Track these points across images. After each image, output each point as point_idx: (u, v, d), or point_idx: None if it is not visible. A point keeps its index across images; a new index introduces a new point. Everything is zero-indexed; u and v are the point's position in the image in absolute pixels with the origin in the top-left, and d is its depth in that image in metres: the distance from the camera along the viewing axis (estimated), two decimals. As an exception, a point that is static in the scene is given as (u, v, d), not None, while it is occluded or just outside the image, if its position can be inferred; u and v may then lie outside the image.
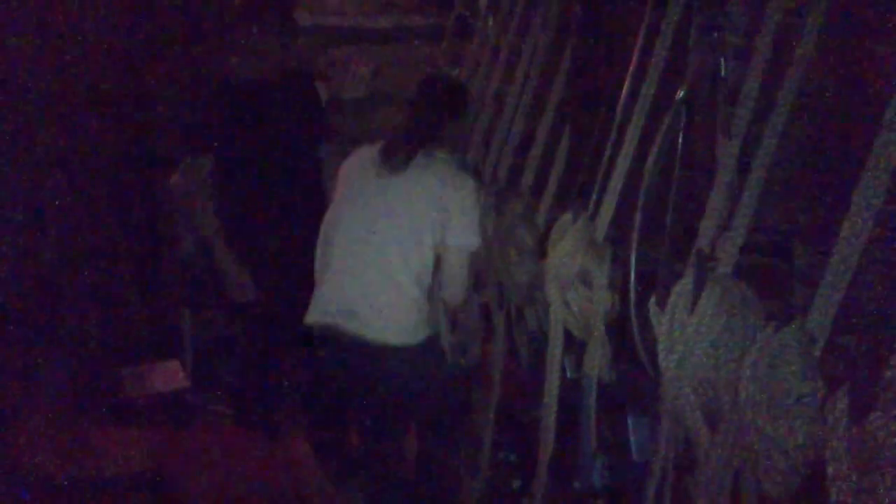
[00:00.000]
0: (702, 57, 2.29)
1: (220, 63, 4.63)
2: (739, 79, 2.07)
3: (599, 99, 2.85)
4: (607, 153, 2.61)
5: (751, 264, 1.98)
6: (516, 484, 3.51)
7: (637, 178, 2.41)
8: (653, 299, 2.09)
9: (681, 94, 2.31)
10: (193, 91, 4.52)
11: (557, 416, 2.76)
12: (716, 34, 2.27)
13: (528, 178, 3.27)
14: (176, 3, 5.10)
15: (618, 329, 2.50)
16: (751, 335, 1.82)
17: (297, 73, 4.32)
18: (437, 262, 3.21)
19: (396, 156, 3.16)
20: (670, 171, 2.33)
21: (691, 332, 1.90)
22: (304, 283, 3.90)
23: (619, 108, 2.59)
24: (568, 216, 2.69)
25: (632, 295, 2.33)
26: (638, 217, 2.35)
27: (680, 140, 2.33)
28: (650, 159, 2.35)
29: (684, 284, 1.97)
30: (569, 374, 2.80)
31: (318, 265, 3.29)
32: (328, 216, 3.29)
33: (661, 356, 2.00)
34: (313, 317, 3.24)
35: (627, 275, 2.36)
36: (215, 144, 3.97)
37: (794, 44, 1.87)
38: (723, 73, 2.23)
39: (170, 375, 4.86)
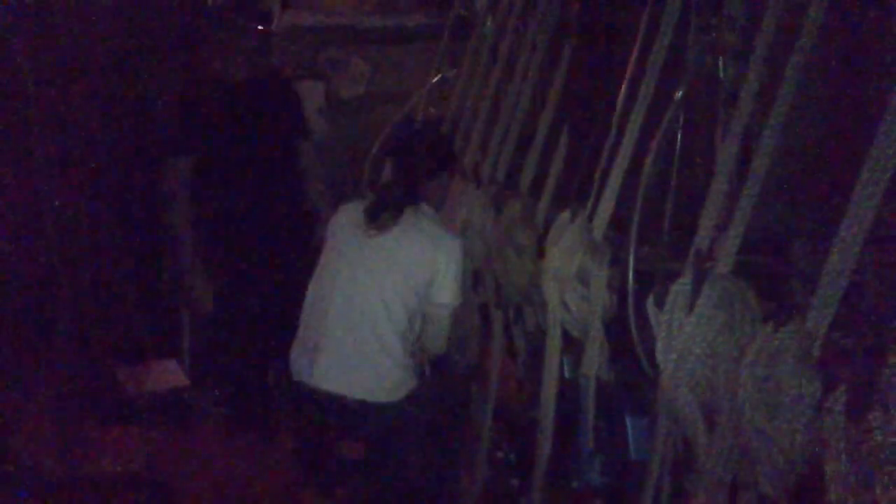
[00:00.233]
0: (700, 56, 2.29)
1: (199, 64, 4.64)
2: (738, 78, 2.07)
3: (598, 99, 2.85)
4: (606, 153, 2.61)
5: (749, 264, 1.99)
6: (514, 483, 3.51)
7: (635, 178, 2.41)
8: (651, 299, 2.09)
9: (679, 93, 2.31)
10: (177, 92, 4.52)
11: (555, 415, 2.76)
12: (714, 34, 2.27)
13: (526, 178, 3.27)
14: (157, 4, 5.11)
15: (616, 329, 2.50)
16: (749, 334, 1.82)
17: (274, 73, 4.32)
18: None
19: (383, 215, 3.16)
20: (668, 170, 2.33)
21: (689, 331, 1.91)
22: (287, 281, 3.92)
23: (617, 108, 2.59)
24: (566, 216, 2.69)
25: (630, 294, 2.33)
26: (636, 217, 2.35)
27: (678, 140, 2.34)
28: (648, 159, 2.36)
29: (682, 284, 1.97)
30: (567, 374, 2.80)
31: (302, 318, 3.28)
32: (316, 273, 3.29)
33: (659, 355, 2.00)
34: (295, 374, 3.24)
35: (625, 274, 2.36)
36: (194, 146, 3.96)
37: (793, 43, 1.88)
38: (721, 72, 2.24)
39: (168, 374, 4.85)
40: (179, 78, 4.90)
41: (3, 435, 4.13)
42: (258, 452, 4.23)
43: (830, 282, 1.61)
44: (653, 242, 2.34)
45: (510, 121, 3.50)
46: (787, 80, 1.87)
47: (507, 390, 3.54)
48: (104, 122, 4.84)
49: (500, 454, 3.63)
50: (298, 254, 3.94)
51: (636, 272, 2.33)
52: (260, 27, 4.11)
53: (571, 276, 2.58)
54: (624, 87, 2.57)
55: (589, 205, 2.64)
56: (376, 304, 3.12)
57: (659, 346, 2.00)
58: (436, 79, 4.54)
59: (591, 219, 2.60)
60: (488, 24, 4.07)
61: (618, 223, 2.54)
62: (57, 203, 4.49)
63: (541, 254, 2.82)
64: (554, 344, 2.72)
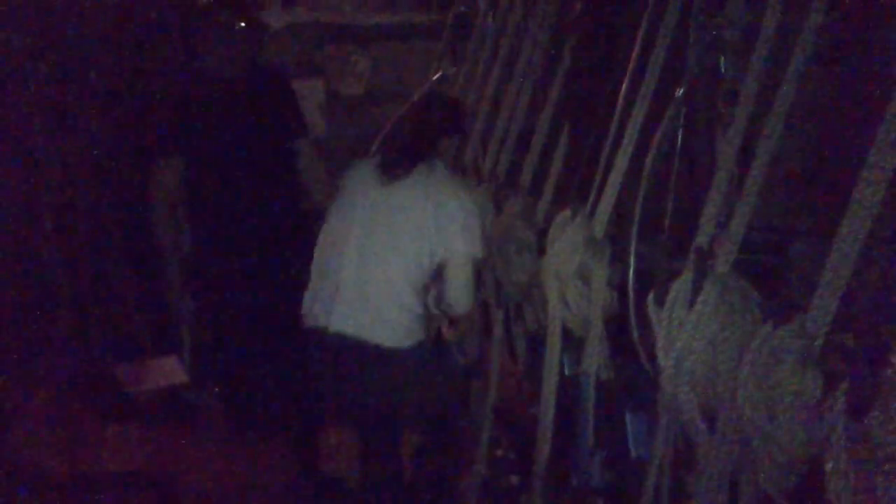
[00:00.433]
0: (701, 55, 2.29)
1: (191, 63, 4.63)
2: (738, 76, 2.07)
3: (598, 96, 2.85)
4: (606, 150, 2.61)
5: (749, 262, 1.99)
6: (514, 480, 3.52)
7: (636, 176, 2.41)
8: (651, 296, 2.10)
9: (680, 91, 2.31)
10: (168, 91, 4.50)
11: (555, 413, 2.76)
12: (715, 32, 2.27)
13: (526, 176, 3.27)
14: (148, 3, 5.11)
15: (616, 327, 2.50)
16: (749, 332, 1.82)
17: (269, 71, 4.29)
18: (437, 272, 3.23)
19: (397, 166, 3.21)
20: (669, 168, 2.33)
21: (690, 329, 1.91)
22: (285, 280, 3.92)
23: (618, 106, 2.59)
24: (567, 213, 2.69)
25: (630, 292, 2.34)
26: (637, 215, 2.35)
27: (679, 137, 2.34)
28: (649, 157, 2.36)
29: (683, 282, 1.97)
30: (567, 372, 2.80)
31: (314, 270, 3.31)
32: (327, 223, 3.32)
33: (659, 353, 2.00)
34: (309, 320, 3.27)
35: (626, 272, 2.36)
36: (185, 147, 3.93)
37: (794, 42, 1.88)
38: (722, 70, 2.24)
39: (168, 372, 4.85)
40: (171, 77, 4.88)
41: (4, 432, 4.13)
42: (258, 449, 4.24)
43: (831, 281, 1.61)
44: (653, 240, 2.34)
45: (510, 118, 3.50)
46: (787, 79, 1.87)
47: (507, 388, 3.54)
48: (104, 121, 4.84)
49: (500, 452, 3.63)
50: (296, 253, 3.93)
51: (637, 270, 2.33)
52: (249, 24, 4.07)
53: (572, 274, 2.58)
54: (625, 84, 2.57)
55: (589, 203, 2.64)
56: (389, 253, 3.16)
57: (659, 344, 2.00)
58: (436, 77, 4.54)
59: (591, 216, 2.60)
60: (489, 21, 4.06)
61: (618, 221, 2.54)
62: (57, 201, 4.49)
63: (541, 252, 2.82)
64: (554, 342, 2.72)
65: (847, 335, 1.67)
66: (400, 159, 3.24)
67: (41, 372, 4.48)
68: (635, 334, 2.31)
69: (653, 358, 2.08)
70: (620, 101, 2.59)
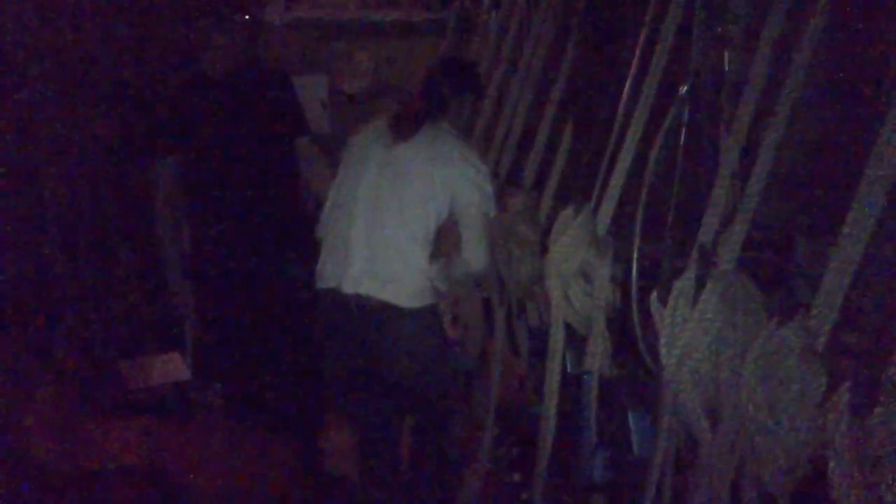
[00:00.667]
0: (704, 52, 2.29)
1: (189, 60, 4.61)
2: (743, 74, 2.07)
3: (602, 93, 2.84)
4: (609, 148, 2.61)
5: (753, 260, 1.98)
6: (517, 478, 3.52)
7: (639, 173, 2.41)
8: (654, 294, 2.09)
9: (684, 88, 2.31)
10: (166, 89, 4.50)
11: (558, 410, 2.76)
12: (719, 29, 2.26)
13: (530, 173, 3.27)
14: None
15: (619, 324, 2.50)
16: (753, 331, 1.82)
17: (267, 67, 4.28)
18: (439, 231, 3.23)
19: (406, 125, 3.21)
20: (673, 165, 2.33)
21: (693, 327, 1.91)
22: (287, 277, 3.92)
23: (621, 103, 2.59)
24: (570, 211, 2.69)
25: (633, 290, 2.33)
26: (640, 212, 2.35)
27: (682, 135, 2.33)
28: (652, 154, 2.35)
29: (686, 280, 1.97)
30: (570, 369, 2.80)
31: (325, 231, 3.32)
32: (336, 184, 3.33)
33: (662, 351, 2.00)
34: (321, 282, 3.27)
35: (629, 270, 2.36)
36: (183, 145, 3.93)
37: (798, 39, 1.87)
38: (726, 67, 2.23)
39: (170, 368, 4.85)
40: (171, 75, 4.88)
41: (6, 428, 4.13)
42: (260, 447, 4.24)
43: (834, 279, 1.61)
44: (656, 238, 2.34)
45: (513, 116, 3.50)
46: (791, 76, 1.86)
47: (509, 385, 3.54)
48: (104, 119, 4.84)
49: (502, 449, 3.63)
50: (296, 249, 3.93)
51: (639, 268, 2.33)
52: (248, 20, 4.07)
53: (575, 272, 2.58)
54: (628, 82, 2.57)
55: (592, 200, 2.64)
56: (396, 213, 3.18)
57: (662, 341, 2.00)
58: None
59: (594, 214, 2.59)
60: (492, 18, 4.06)
61: (621, 219, 2.54)
62: (59, 196, 4.49)
63: (543, 249, 2.82)
64: (557, 339, 2.72)
65: (850, 334, 1.67)
66: (408, 119, 3.24)
67: (43, 368, 4.48)
68: (638, 332, 2.30)
69: (655, 356, 2.08)
70: (623, 98, 2.58)
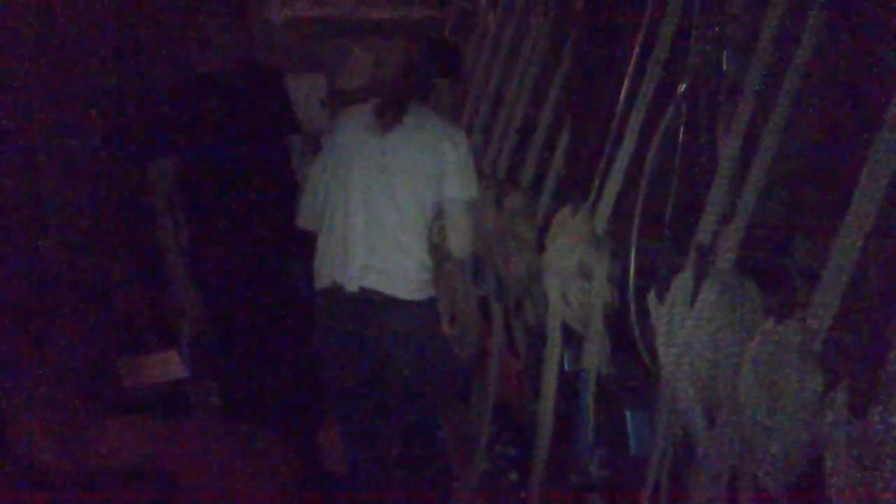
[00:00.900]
0: (703, 50, 2.29)
1: (181, 60, 4.61)
2: (741, 72, 2.07)
3: (600, 92, 2.84)
4: (608, 146, 2.61)
5: (751, 259, 1.98)
6: (513, 476, 3.52)
7: (637, 172, 2.41)
8: (652, 293, 2.09)
9: (682, 87, 2.31)
10: (160, 90, 4.49)
11: (555, 409, 2.76)
12: (717, 28, 2.26)
13: (527, 171, 3.27)
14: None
15: (617, 323, 2.50)
16: (751, 330, 1.82)
17: (260, 66, 4.27)
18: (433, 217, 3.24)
19: (391, 111, 3.20)
20: (671, 164, 2.33)
21: (691, 326, 1.90)
22: (284, 275, 3.91)
23: (619, 101, 2.59)
24: (567, 209, 2.69)
25: (631, 288, 2.33)
26: (638, 211, 2.34)
27: (681, 133, 2.33)
28: (651, 152, 2.35)
29: (684, 278, 1.97)
30: (567, 368, 2.80)
31: (319, 227, 3.31)
32: (324, 177, 3.30)
33: (660, 350, 2.00)
34: (322, 279, 3.26)
35: (627, 268, 2.36)
36: (177, 147, 3.91)
37: (797, 38, 1.87)
38: (724, 66, 2.23)
39: (168, 366, 4.85)
40: (166, 74, 4.87)
41: (2, 427, 4.13)
42: (258, 444, 4.23)
43: (832, 277, 1.61)
44: (654, 237, 2.34)
45: (511, 114, 3.50)
46: (790, 75, 1.86)
47: (506, 384, 3.54)
48: (102, 117, 4.84)
49: (499, 447, 3.63)
50: (293, 247, 3.92)
51: (637, 267, 2.33)
52: (242, 19, 4.05)
53: (573, 271, 2.58)
54: (627, 80, 2.57)
55: (590, 199, 2.64)
56: (390, 205, 3.18)
57: (660, 340, 2.00)
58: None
59: (592, 212, 2.59)
60: (490, 17, 4.06)
61: (619, 217, 2.54)
62: (57, 195, 4.49)
63: (541, 248, 2.82)
64: (554, 338, 2.72)
65: (848, 333, 1.67)
66: (391, 104, 3.23)
67: (41, 365, 4.48)
68: (636, 331, 2.30)
69: (653, 355, 2.08)
70: (622, 96, 2.58)
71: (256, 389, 4.15)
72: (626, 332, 2.36)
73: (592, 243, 2.54)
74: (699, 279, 1.92)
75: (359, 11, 5.67)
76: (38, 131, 4.38)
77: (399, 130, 3.19)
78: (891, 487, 1.40)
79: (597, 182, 2.63)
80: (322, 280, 3.27)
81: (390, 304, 3.16)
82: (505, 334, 3.42)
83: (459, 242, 3.25)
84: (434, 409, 3.43)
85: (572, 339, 2.73)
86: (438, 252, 3.29)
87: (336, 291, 3.21)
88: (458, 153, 3.21)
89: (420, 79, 3.28)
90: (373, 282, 3.16)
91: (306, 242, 3.51)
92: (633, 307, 2.31)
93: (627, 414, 2.53)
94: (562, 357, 2.77)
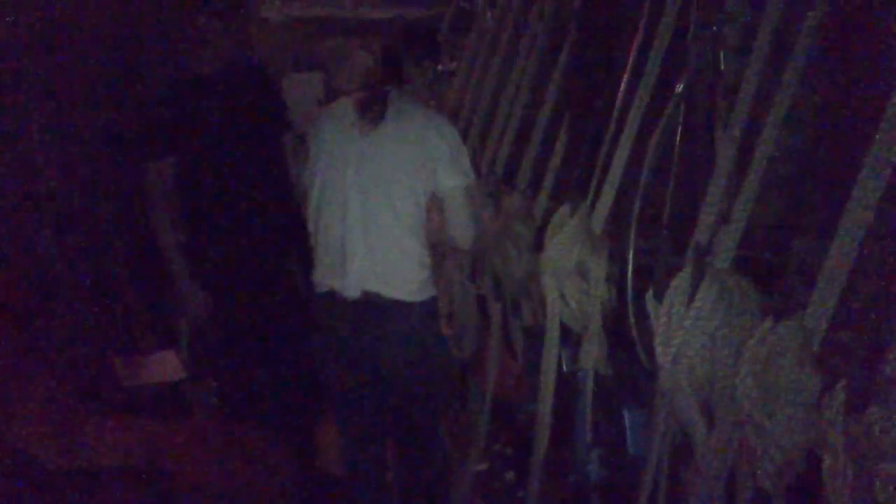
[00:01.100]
0: (701, 50, 2.29)
1: (178, 61, 4.60)
2: (738, 73, 2.07)
3: (598, 92, 2.85)
4: (605, 146, 2.61)
5: (748, 259, 1.99)
6: (511, 476, 3.52)
7: (635, 172, 2.41)
8: (650, 293, 2.09)
9: (680, 87, 2.31)
10: (156, 90, 4.48)
11: (553, 408, 2.76)
12: (714, 28, 2.26)
13: (525, 171, 3.27)
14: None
15: (615, 322, 2.50)
16: (748, 329, 1.82)
17: (253, 65, 4.27)
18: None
19: (372, 110, 3.14)
20: (669, 164, 2.33)
21: (689, 325, 1.91)
22: (282, 274, 3.91)
23: (617, 102, 2.59)
24: (565, 209, 2.69)
25: (629, 288, 2.33)
26: (636, 210, 2.35)
27: (678, 133, 2.33)
28: (648, 153, 2.35)
29: (682, 278, 1.97)
30: (565, 367, 2.80)
31: (315, 233, 3.28)
32: (314, 180, 3.26)
33: (658, 349, 2.00)
34: (322, 285, 3.24)
35: (625, 268, 2.36)
36: (174, 147, 3.90)
37: (794, 38, 1.87)
38: (722, 67, 2.23)
39: (165, 366, 4.85)
40: (162, 75, 4.87)
41: (0, 425, 4.12)
42: (256, 444, 4.23)
43: (830, 277, 1.61)
44: (652, 237, 2.34)
45: (509, 114, 3.50)
46: (787, 75, 1.87)
47: (505, 383, 3.54)
48: (100, 117, 4.84)
49: (497, 447, 3.64)
50: (291, 246, 3.92)
51: (635, 266, 2.33)
52: (237, 18, 4.05)
53: (570, 270, 2.58)
54: (624, 80, 2.57)
55: (588, 199, 2.64)
56: (385, 207, 3.13)
57: (658, 340, 2.00)
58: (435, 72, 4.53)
59: (590, 212, 2.59)
60: (488, 16, 4.06)
61: (617, 217, 2.54)
62: (56, 195, 4.49)
63: (539, 247, 2.82)
64: (552, 337, 2.72)
65: (846, 332, 1.67)
66: (372, 99, 3.17)
67: (39, 364, 4.47)
68: (634, 330, 2.31)
69: (651, 354, 2.08)
70: (620, 96, 2.58)
71: (254, 389, 4.15)
72: (624, 332, 2.36)
73: (590, 243, 2.54)
74: (697, 279, 1.92)
75: (356, 11, 5.68)
76: (36, 132, 4.38)
77: (383, 127, 3.14)
78: (888, 487, 1.40)
79: (595, 182, 2.63)
80: (321, 286, 3.24)
81: (392, 306, 3.13)
82: (503, 334, 3.42)
83: (462, 232, 3.21)
84: (435, 408, 3.41)
85: (570, 339, 2.73)
86: (437, 251, 3.29)
87: (336, 297, 3.19)
88: (446, 142, 3.15)
89: (397, 65, 3.21)
90: (373, 286, 3.13)
91: (304, 241, 3.51)
92: (631, 307, 2.31)
93: (625, 413, 2.54)
94: (560, 357, 2.77)
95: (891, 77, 1.65)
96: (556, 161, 3.09)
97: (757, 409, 1.68)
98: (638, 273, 2.32)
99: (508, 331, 3.39)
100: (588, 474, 2.69)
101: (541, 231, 2.85)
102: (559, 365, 2.77)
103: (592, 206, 2.60)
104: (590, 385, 2.57)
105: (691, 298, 1.92)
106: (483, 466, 3.57)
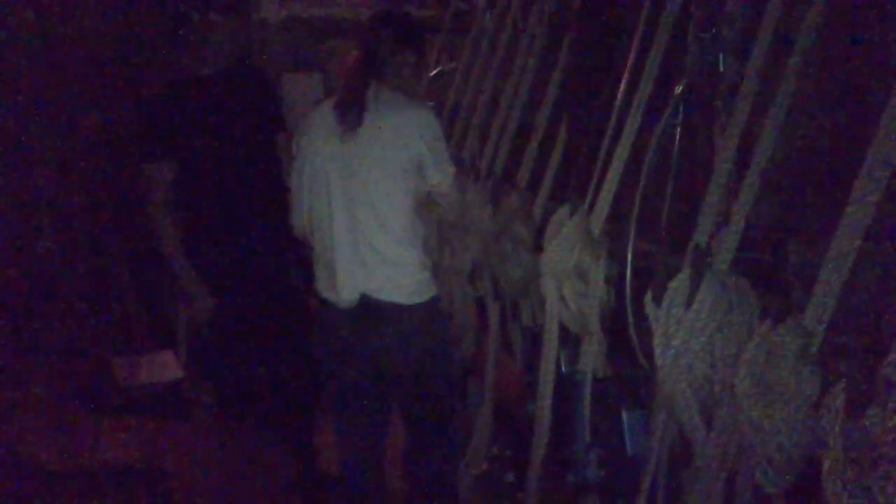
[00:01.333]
0: (700, 51, 2.29)
1: (173, 62, 4.60)
2: (738, 74, 2.07)
3: (597, 93, 2.84)
4: (604, 147, 2.60)
5: (747, 260, 1.98)
6: (510, 477, 3.51)
7: (634, 173, 2.41)
8: (649, 294, 2.09)
9: (679, 88, 2.31)
10: (151, 93, 4.48)
11: (552, 410, 2.76)
12: (714, 29, 2.26)
13: (524, 172, 3.26)
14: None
15: (613, 324, 2.50)
16: (747, 331, 1.82)
17: (249, 65, 4.26)
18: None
19: (350, 114, 3.10)
20: (668, 166, 2.33)
21: (687, 327, 1.90)
22: (280, 273, 3.92)
23: (616, 102, 2.59)
24: (564, 210, 2.68)
25: (628, 290, 2.33)
26: (635, 212, 2.34)
27: (677, 135, 2.33)
28: (648, 154, 2.35)
29: (681, 279, 1.97)
30: (564, 369, 2.80)
31: (314, 242, 3.27)
32: (304, 185, 3.23)
33: (656, 351, 2.00)
34: (321, 292, 3.23)
35: (624, 269, 2.36)
36: (172, 149, 3.89)
37: (793, 39, 1.87)
38: (721, 68, 2.23)
39: (163, 366, 4.85)
40: (161, 76, 4.87)
41: (0, 425, 4.12)
42: (253, 444, 4.23)
43: (829, 279, 1.61)
44: (651, 238, 2.34)
45: (508, 114, 3.50)
46: (787, 76, 1.86)
47: (503, 384, 3.53)
48: (99, 118, 4.84)
49: (496, 448, 3.63)
50: (289, 247, 3.92)
51: (634, 268, 2.33)
52: (235, 19, 4.04)
53: (569, 272, 2.57)
54: (623, 81, 2.57)
55: (587, 200, 2.64)
56: (371, 213, 3.11)
57: (656, 341, 2.00)
58: (434, 72, 4.53)
59: (589, 213, 2.59)
60: (487, 17, 4.05)
61: (616, 218, 2.54)
62: (54, 197, 4.49)
63: (538, 248, 2.82)
64: (551, 339, 2.72)
65: (845, 334, 1.67)
66: (350, 102, 3.11)
67: (38, 365, 4.48)
68: (632, 332, 2.30)
69: (650, 356, 2.08)
70: (619, 97, 2.58)
71: (252, 390, 4.15)
72: (623, 334, 2.36)
73: (589, 244, 2.54)
74: (696, 280, 1.92)
75: (354, 11, 5.67)
76: (34, 133, 4.38)
77: (363, 131, 3.10)
78: (887, 489, 1.40)
79: (594, 183, 2.62)
80: (320, 293, 3.24)
81: (391, 309, 3.12)
82: (502, 335, 3.41)
83: (450, 213, 3.23)
84: (444, 408, 3.39)
85: (569, 340, 2.73)
86: (436, 252, 3.28)
87: (333, 305, 3.18)
88: (430, 138, 3.11)
89: (377, 59, 3.15)
90: (369, 290, 3.12)
91: (301, 241, 3.51)
92: (629, 308, 2.31)
93: (624, 415, 2.53)
94: (559, 358, 2.77)
95: (891, 76, 1.65)
96: (555, 162, 3.08)
97: (756, 410, 1.68)
98: (637, 274, 2.32)
99: (507, 332, 3.39)
100: (587, 475, 2.68)
101: (540, 232, 2.85)
102: (558, 366, 2.77)
103: (591, 207, 2.60)
104: (588, 386, 2.56)
105: (690, 300, 1.92)
106: (482, 467, 3.57)
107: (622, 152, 2.47)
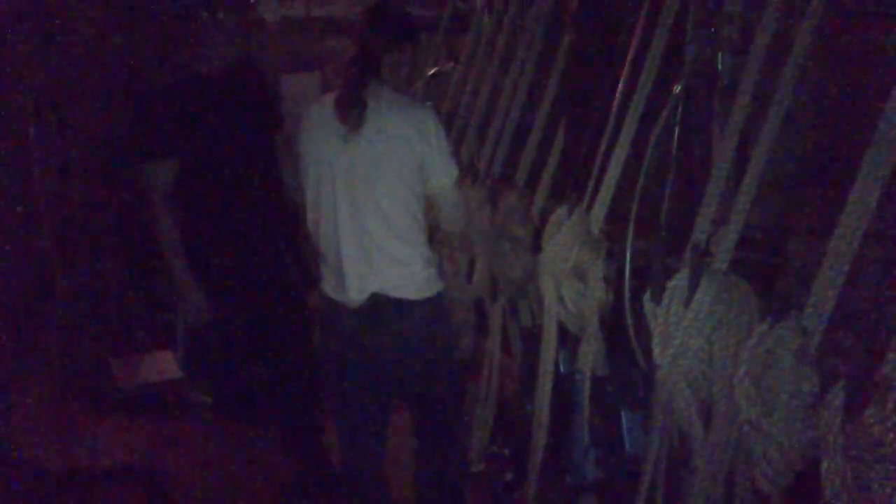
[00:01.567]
0: (698, 51, 2.29)
1: (174, 60, 4.59)
2: (736, 73, 2.07)
3: (595, 92, 2.84)
4: (603, 146, 2.60)
5: (746, 260, 1.98)
6: (509, 476, 3.52)
7: (633, 172, 2.41)
8: (648, 294, 2.09)
9: (677, 88, 2.31)
10: (153, 90, 4.47)
11: (551, 409, 2.76)
12: (713, 28, 2.27)
13: (523, 172, 3.26)
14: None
15: (612, 323, 2.50)
16: (746, 330, 1.82)
17: (249, 65, 4.26)
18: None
19: (351, 114, 3.08)
20: (666, 165, 2.33)
21: (686, 326, 1.91)
22: (280, 273, 3.92)
23: (615, 102, 2.59)
24: (563, 210, 2.69)
25: (627, 289, 2.33)
26: (633, 211, 2.34)
27: (676, 134, 2.33)
28: (646, 153, 2.35)
29: (680, 279, 1.97)
30: (563, 368, 2.80)
31: (316, 240, 3.26)
32: (307, 190, 3.21)
33: (655, 350, 2.00)
34: (327, 293, 3.22)
35: (622, 269, 2.36)
36: (174, 147, 3.89)
37: (792, 38, 1.87)
38: (720, 67, 2.23)
39: (162, 366, 4.85)
40: (162, 74, 4.86)
41: (0, 425, 4.12)
42: (251, 444, 4.23)
43: (828, 278, 1.61)
44: (650, 238, 2.34)
45: (507, 114, 3.50)
46: (785, 76, 1.86)
47: (502, 384, 3.53)
48: (98, 117, 4.83)
49: (495, 448, 3.63)
50: (287, 246, 3.92)
51: (633, 267, 2.33)
52: (236, 19, 4.04)
53: (568, 271, 2.57)
54: (622, 80, 2.57)
55: (586, 199, 2.64)
56: (374, 215, 3.08)
57: (655, 341, 2.00)
58: (433, 72, 4.53)
59: (588, 213, 2.59)
60: (486, 16, 4.05)
61: (615, 218, 2.54)
62: (52, 196, 4.49)
63: (537, 248, 2.82)
64: (549, 338, 2.72)
65: (844, 333, 1.67)
66: (350, 101, 3.09)
67: (37, 365, 4.47)
68: (631, 332, 2.30)
69: (649, 355, 2.08)
70: (617, 97, 2.58)
71: (251, 389, 4.14)
72: (622, 333, 2.36)
73: (588, 244, 2.54)
74: (695, 280, 1.92)
75: (353, 11, 5.67)
76: (35, 132, 4.38)
77: (365, 131, 3.09)
78: (886, 488, 1.40)
79: (592, 182, 2.62)
80: (326, 293, 3.23)
81: (399, 305, 3.11)
82: (501, 335, 3.41)
83: (452, 219, 3.23)
84: (449, 404, 3.38)
85: (568, 339, 2.73)
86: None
87: (340, 304, 3.17)
88: (432, 138, 3.09)
89: (372, 57, 3.10)
90: (377, 288, 3.11)
91: (301, 240, 3.50)
92: (628, 308, 2.31)
93: (623, 414, 2.53)
94: (558, 358, 2.77)
95: (890, 75, 1.65)
96: (553, 161, 3.08)
97: (755, 409, 1.68)
98: (635, 274, 2.32)
99: (506, 332, 3.39)
100: (586, 475, 2.68)
101: (538, 232, 2.85)
102: (557, 366, 2.77)
103: (590, 206, 2.60)
104: (587, 386, 2.56)
105: (689, 299, 1.92)
106: (481, 467, 3.57)
107: (620, 152, 2.47)
